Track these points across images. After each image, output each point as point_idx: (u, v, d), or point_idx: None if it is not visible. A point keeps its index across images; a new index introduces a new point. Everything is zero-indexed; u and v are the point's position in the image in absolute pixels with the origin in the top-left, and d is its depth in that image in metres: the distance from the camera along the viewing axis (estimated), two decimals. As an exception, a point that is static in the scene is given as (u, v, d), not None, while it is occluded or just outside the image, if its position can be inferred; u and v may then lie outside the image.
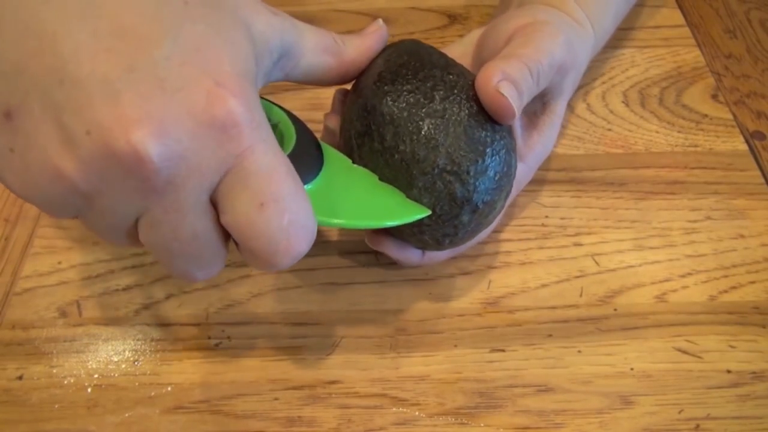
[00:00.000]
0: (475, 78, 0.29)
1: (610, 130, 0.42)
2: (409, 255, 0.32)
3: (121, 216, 0.22)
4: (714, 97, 0.43)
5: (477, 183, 0.27)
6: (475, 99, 0.28)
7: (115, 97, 0.20)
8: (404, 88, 0.28)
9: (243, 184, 0.22)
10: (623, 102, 0.43)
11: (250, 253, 0.23)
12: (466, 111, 0.28)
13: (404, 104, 0.28)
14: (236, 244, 0.24)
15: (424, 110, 0.27)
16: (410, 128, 0.27)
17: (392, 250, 0.31)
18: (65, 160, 0.20)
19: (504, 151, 0.28)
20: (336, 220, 0.27)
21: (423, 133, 0.27)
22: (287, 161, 0.23)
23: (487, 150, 0.28)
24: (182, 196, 0.21)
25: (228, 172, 0.22)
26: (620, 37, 0.47)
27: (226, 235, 0.24)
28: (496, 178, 0.28)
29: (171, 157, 0.20)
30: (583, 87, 0.44)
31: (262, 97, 0.28)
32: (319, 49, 0.28)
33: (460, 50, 0.36)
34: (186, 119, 0.20)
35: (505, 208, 0.34)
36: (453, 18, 0.49)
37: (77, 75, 0.19)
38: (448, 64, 0.29)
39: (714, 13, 0.50)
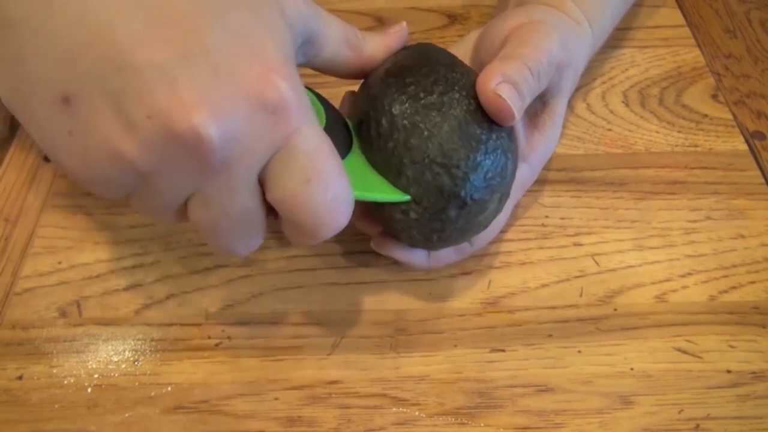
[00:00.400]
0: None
1: (610, 130, 0.42)
2: (416, 257, 0.32)
3: (174, 195, 0.24)
4: (714, 97, 0.43)
5: (466, 178, 0.27)
6: (475, 98, 0.28)
7: (173, 83, 0.21)
8: (406, 80, 0.28)
9: (291, 162, 0.23)
10: (623, 102, 0.43)
11: (295, 227, 0.25)
12: (465, 107, 0.28)
13: (404, 96, 0.28)
14: (277, 219, 0.25)
15: (422, 102, 0.28)
16: (405, 117, 0.28)
17: (398, 253, 0.31)
18: (126, 143, 0.21)
19: (500, 151, 0.28)
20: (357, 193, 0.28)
21: (417, 123, 0.27)
22: (329, 140, 0.24)
23: (481, 147, 0.28)
24: (235, 175, 0.23)
25: (278, 151, 0.23)
26: (620, 37, 0.47)
27: (269, 211, 0.25)
28: (487, 177, 0.28)
29: (228, 138, 0.22)
30: (583, 87, 0.44)
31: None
32: (340, 40, 0.29)
33: (460, 51, 0.36)
34: (240, 103, 0.22)
35: (507, 211, 0.34)
36: (453, 18, 0.49)
37: (134, 63, 0.21)
38: (455, 64, 0.30)
39: (714, 13, 0.50)
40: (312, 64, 0.29)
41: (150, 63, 0.21)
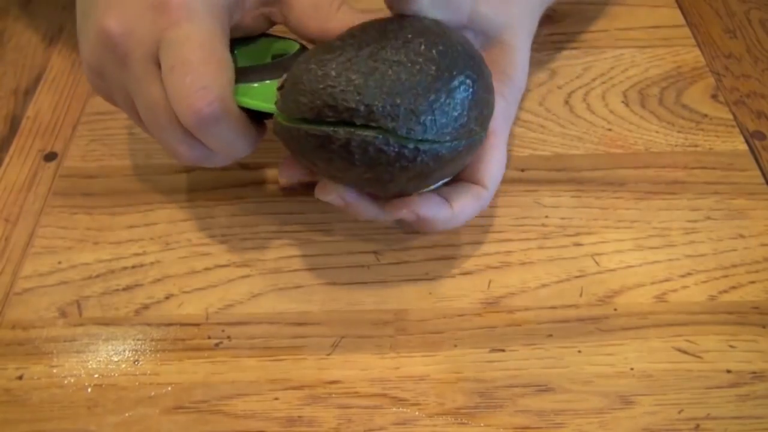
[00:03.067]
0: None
1: (610, 130, 0.42)
2: (440, 211, 0.30)
3: (119, 90, 0.30)
4: (714, 97, 0.43)
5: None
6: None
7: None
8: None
9: (164, 51, 0.28)
10: (623, 102, 0.43)
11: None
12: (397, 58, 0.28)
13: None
14: None
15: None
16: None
17: (420, 206, 0.30)
18: (84, 46, 0.30)
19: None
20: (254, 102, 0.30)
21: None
22: (209, 37, 0.28)
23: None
24: (135, 65, 0.28)
25: (160, 43, 0.28)
26: (620, 37, 0.47)
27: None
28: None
29: (124, 32, 0.28)
30: (583, 87, 0.44)
31: (295, 40, 0.34)
32: (309, 5, 0.32)
33: None
34: (138, 7, 0.28)
35: (503, 152, 0.33)
36: (453, 18, 0.49)
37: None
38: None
39: (714, 13, 0.50)
40: (286, 23, 0.33)
41: None
